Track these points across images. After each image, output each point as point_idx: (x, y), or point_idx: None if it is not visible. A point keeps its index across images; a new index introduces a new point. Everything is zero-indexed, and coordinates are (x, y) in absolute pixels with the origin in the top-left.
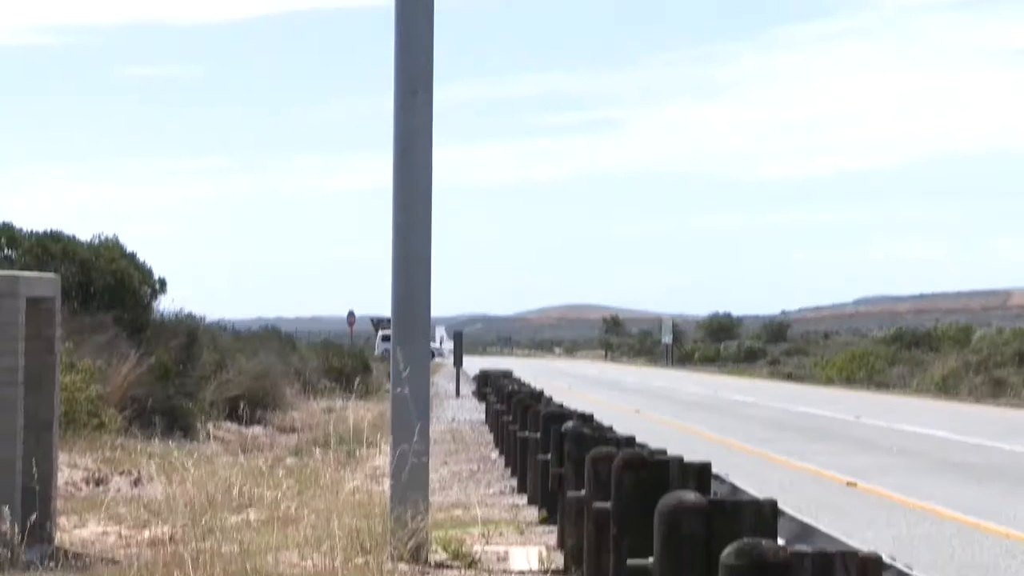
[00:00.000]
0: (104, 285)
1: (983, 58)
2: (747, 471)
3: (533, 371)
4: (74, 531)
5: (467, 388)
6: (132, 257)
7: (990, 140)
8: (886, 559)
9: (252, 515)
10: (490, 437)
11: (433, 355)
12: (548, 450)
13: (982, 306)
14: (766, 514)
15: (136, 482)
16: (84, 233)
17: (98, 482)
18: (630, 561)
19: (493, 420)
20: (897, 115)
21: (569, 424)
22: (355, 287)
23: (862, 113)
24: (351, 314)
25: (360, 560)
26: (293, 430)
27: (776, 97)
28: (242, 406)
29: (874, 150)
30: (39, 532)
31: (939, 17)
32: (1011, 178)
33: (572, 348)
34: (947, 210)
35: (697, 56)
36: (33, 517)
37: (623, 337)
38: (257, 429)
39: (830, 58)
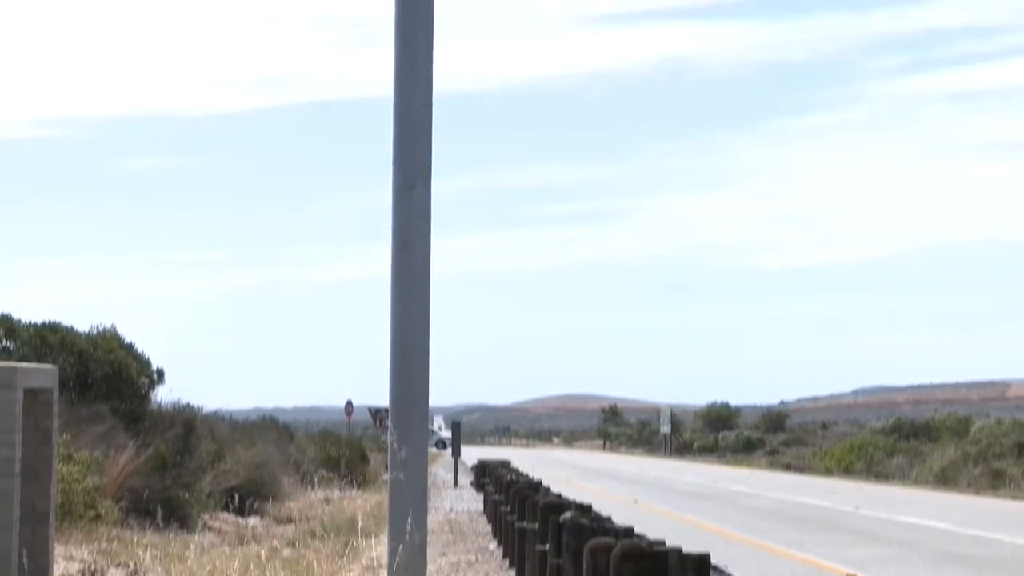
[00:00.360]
0: (102, 376)
1: (981, 150)
2: (746, 562)
3: (531, 461)
4: None
5: (465, 478)
6: (130, 348)
7: (988, 231)
8: None
9: None
10: (488, 528)
11: (444, 445)
12: (546, 540)
13: (980, 397)
14: None
15: (133, 574)
16: (82, 324)
17: (94, 574)
18: None
19: (491, 510)
20: (895, 206)
21: (567, 514)
22: (353, 377)
23: (860, 204)
24: (349, 404)
25: None
26: (290, 520)
27: (775, 188)
28: (239, 497)
29: (872, 241)
30: None
31: (936, 109)
32: (1008, 269)
33: (570, 438)
34: (945, 301)
35: (696, 147)
36: None
37: (621, 427)
38: (254, 520)
39: (828, 150)
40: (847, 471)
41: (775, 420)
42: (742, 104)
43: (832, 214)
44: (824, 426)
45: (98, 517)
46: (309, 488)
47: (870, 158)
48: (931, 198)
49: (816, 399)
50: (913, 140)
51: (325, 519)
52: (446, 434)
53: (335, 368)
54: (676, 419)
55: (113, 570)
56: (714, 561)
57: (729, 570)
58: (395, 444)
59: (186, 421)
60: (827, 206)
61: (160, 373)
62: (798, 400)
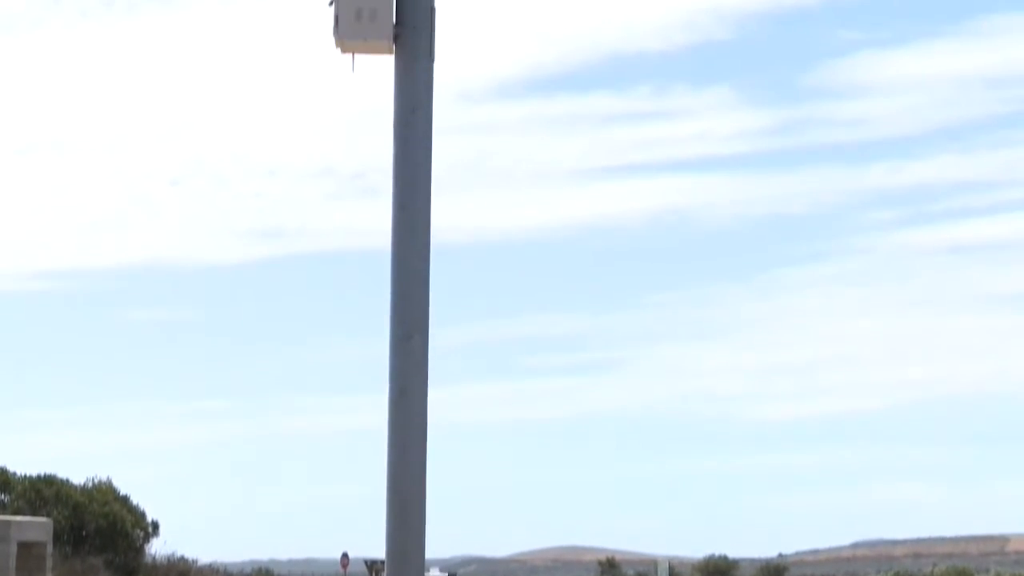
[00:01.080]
0: (96, 528)
1: (978, 303)
2: None
3: None
4: None
5: None
6: (125, 500)
7: (985, 384)
8: None
9: None
10: None
11: None
12: None
13: (980, 551)
14: None
15: None
16: (78, 476)
17: None
18: None
19: None
20: (892, 358)
21: None
22: (349, 528)
23: (858, 356)
24: (344, 556)
25: None
26: None
27: (772, 339)
28: None
29: (870, 393)
30: None
31: (933, 261)
32: (1007, 422)
33: None
34: (943, 454)
35: (694, 298)
36: None
37: None
38: None
39: (825, 301)
40: None
41: (774, 572)
42: (739, 255)
43: (829, 365)
44: None
45: None
46: None
47: (867, 309)
48: (929, 350)
49: (815, 551)
50: (910, 292)
51: None
52: None
53: (331, 519)
54: (674, 571)
55: None
56: None
57: None
58: None
59: (181, 574)
60: (824, 357)
61: (155, 525)
62: (797, 552)
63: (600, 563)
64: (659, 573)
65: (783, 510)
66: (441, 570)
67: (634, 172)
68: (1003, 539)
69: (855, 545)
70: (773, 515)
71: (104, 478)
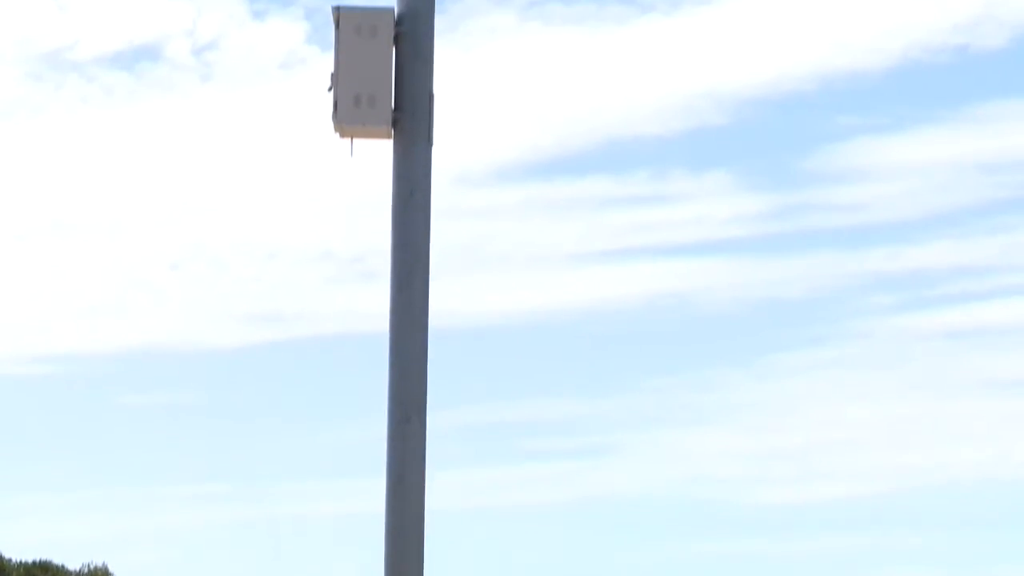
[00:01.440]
0: None
1: (976, 388)
2: None
3: None
4: None
5: None
6: None
7: (986, 470)
8: None
9: None
10: None
11: None
12: None
13: None
14: None
15: None
16: (74, 561)
17: None
18: None
19: None
20: (892, 442)
21: None
22: None
23: (857, 440)
24: None
25: None
26: None
27: (770, 424)
28: None
29: (870, 477)
30: None
31: (931, 346)
32: (1008, 508)
33: None
34: (943, 540)
35: (691, 382)
36: None
37: None
38: None
39: (823, 385)
40: None
41: None
42: (737, 339)
43: (829, 449)
44: None
45: None
46: None
47: (866, 394)
48: (928, 435)
49: None
50: (909, 376)
51: None
52: None
53: None
54: None
55: None
56: None
57: None
58: None
59: None
60: (823, 441)
61: None
62: None
63: None
64: None
65: None
66: None
67: (632, 256)
68: None
69: None
70: None
71: (100, 563)
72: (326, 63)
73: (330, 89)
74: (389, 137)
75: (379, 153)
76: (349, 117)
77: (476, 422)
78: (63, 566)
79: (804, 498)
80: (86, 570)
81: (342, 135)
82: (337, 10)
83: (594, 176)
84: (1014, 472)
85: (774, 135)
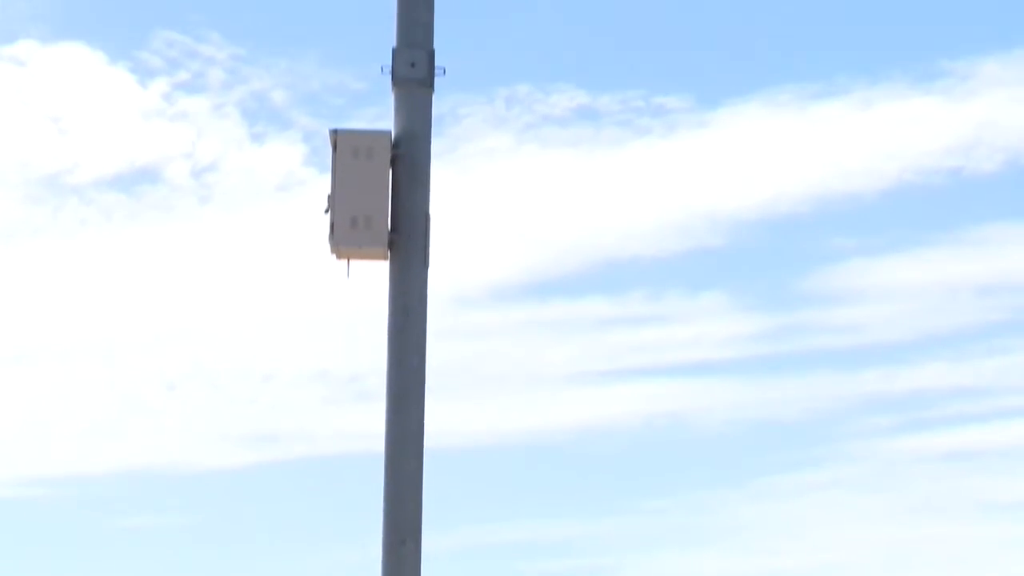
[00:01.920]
0: None
1: (975, 510)
2: None
3: None
4: None
5: None
6: None
7: None
8: None
9: None
10: None
11: None
12: None
13: None
14: None
15: None
16: None
17: None
18: None
19: None
20: (889, 565)
21: None
22: None
23: (854, 563)
24: None
25: None
26: None
27: (767, 546)
28: None
29: None
30: None
31: (928, 468)
32: None
33: None
34: None
35: (686, 504)
36: None
37: None
38: None
39: (820, 507)
40: None
41: None
42: (733, 461)
43: (825, 572)
44: None
45: None
46: None
47: (863, 516)
48: (926, 558)
49: None
50: (906, 499)
51: None
52: None
53: None
54: None
55: None
56: None
57: None
58: None
59: None
60: (820, 564)
61: None
62: None
63: None
64: None
65: None
66: None
67: (628, 376)
68: None
69: None
70: None
71: None
72: (324, 185)
73: (327, 211)
74: (385, 258)
75: (376, 274)
76: (346, 239)
77: (472, 543)
78: None
79: None
80: None
81: (339, 256)
82: (335, 132)
83: (591, 296)
84: None
85: (770, 256)
